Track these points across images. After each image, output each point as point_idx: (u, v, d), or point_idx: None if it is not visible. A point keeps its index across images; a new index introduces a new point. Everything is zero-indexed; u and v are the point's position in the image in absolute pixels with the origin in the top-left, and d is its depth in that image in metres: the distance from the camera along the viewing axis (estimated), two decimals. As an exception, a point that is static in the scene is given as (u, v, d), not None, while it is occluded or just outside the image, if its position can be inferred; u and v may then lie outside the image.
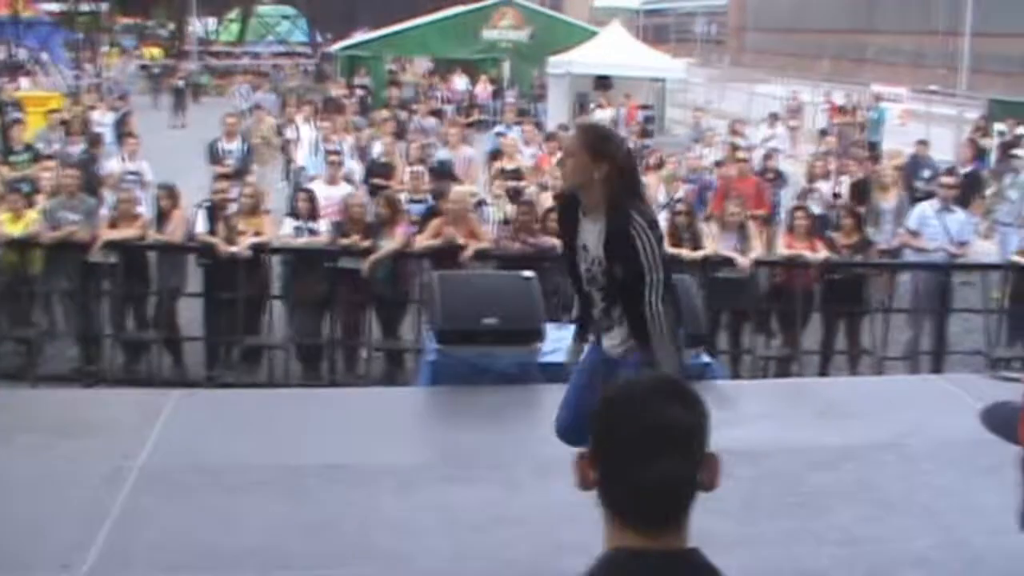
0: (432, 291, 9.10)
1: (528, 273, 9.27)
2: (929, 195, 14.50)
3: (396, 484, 6.89)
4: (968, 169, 18.05)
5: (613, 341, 5.72)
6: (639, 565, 2.03)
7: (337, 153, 16.10)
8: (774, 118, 26.50)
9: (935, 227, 12.53)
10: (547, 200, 13.70)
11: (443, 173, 15.95)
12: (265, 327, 12.20)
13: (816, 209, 15.30)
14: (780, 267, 12.35)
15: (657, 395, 2.07)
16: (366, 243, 11.69)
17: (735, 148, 17.84)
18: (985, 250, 17.17)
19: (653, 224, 5.48)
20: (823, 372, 12.28)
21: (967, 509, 6.58)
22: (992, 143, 25.71)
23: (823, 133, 25.86)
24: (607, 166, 5.38)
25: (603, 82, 32.44)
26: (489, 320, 8.67)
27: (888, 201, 15.71)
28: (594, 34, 37.15)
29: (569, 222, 5.72)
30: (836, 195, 16.16)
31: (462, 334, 8.71)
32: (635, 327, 5.53)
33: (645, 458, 2.02)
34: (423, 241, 11.72)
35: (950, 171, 16.33)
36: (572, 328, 9.73)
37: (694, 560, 2.08)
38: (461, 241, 11.49)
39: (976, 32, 60.94)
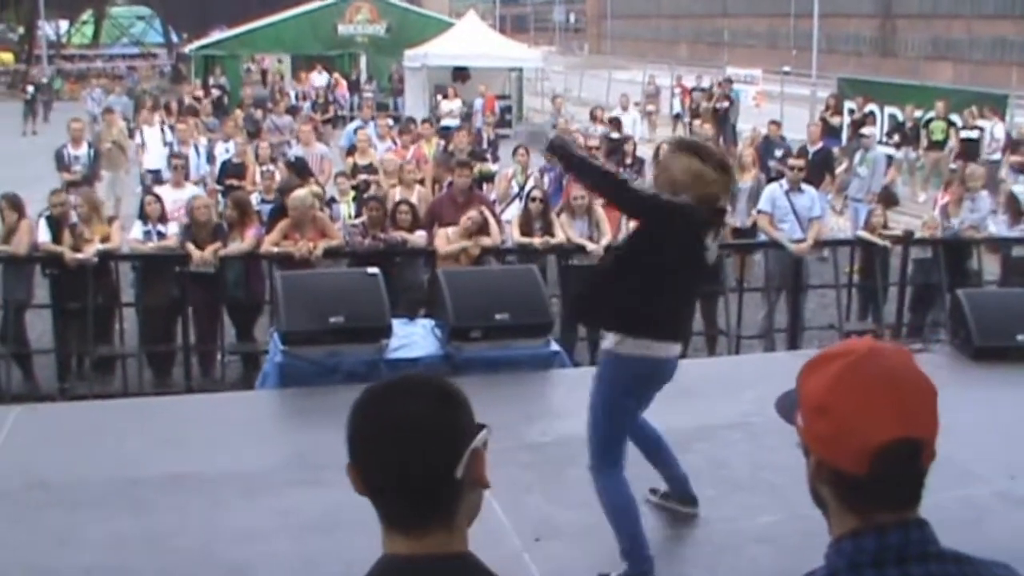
0: (276, 292, 8.97)
1: (372, 269, 9.19)
2: (781, 175, 14.67)
3: (241, 490, 6.76)
4: (818, 148, 18.33)
5: None
6: (407, 573, 1.99)
7: (179, 156, 15.98)
8: (626, 100, 26.66)
9: (784, 207, 12.68)
10: (397, 195, 13.61)
11: (301, 169, 15.77)
12: (117, 336, 11.95)
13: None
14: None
15: (404, 393, 2.06)
16: (214, 246, 11.45)
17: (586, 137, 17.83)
18: (839, 226, 17.57)
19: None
20: (681, 354, 12.33)
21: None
22: (843, 121, 26.22)
23: (677, 117, 26.14)
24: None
25: (461, 73, 32.39)
26: (335, 319, 8.57)
27: (745, 181, 15.92)
28: (451, 25, 37.10)
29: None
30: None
31: (308, 334, 8.60)
32: None
33: (390, 458, 2.00)
34: (271, 242, 11.53)
35: (799, 153, 16.59)
36: (423, 322, 9.71)
37: (467, 564, 2.04)
38: (310, 245, 11.30)
39: (827, 13, 61.99)
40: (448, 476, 2.00)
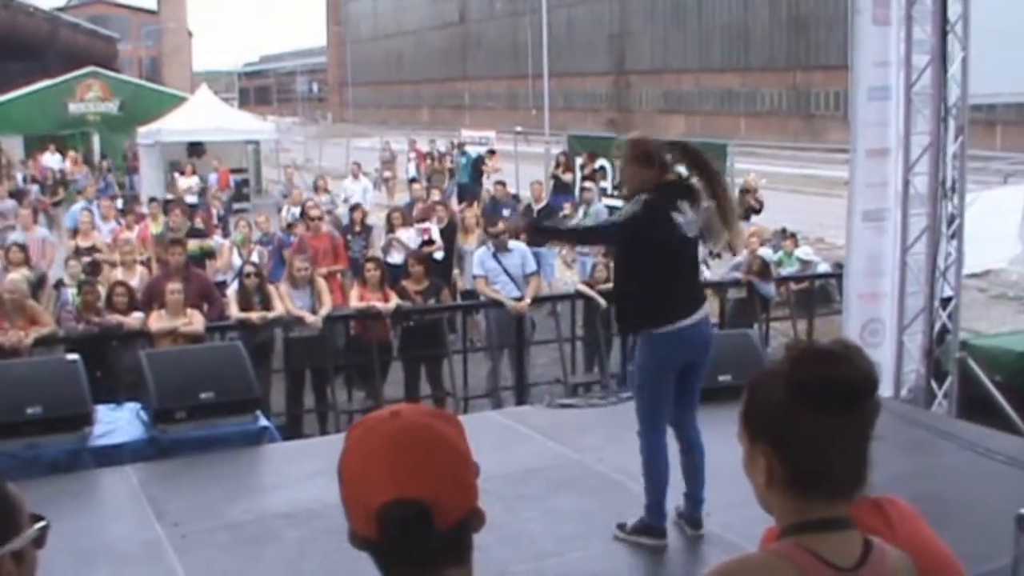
0: (-32, 386, 8.66)
1: (72, 356, 8.98)
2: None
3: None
4: (542, 205, 18.79)
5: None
6: None
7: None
8: (358, 167, 26.73)
9: (495, 269, 12.89)
10: (118, 275, 13.37)
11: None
12: None
13: (398, 258, 15.58)
14: (354, 320, 12.48)
15: None
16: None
17: (313, 206, 17.75)
18: (568, 279, 17.98)
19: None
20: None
21: (510, 540, 6.77)
22: (575, 177, 26.85)
23: (412, 181, 26.37)
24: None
25: (196, 149, 31.93)
26: (32, 409, 8.31)
27: (470, 243, 16.16)
28: (185, 100, 36.61)
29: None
30: (430, 241, 16.41)
31: (3, 427, 8.29)
32: None
33: None
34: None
35: (524, 211, 16.96)
36: (130, 406, 9.51)
37: None
38: (20, 334, 10.96)
39: (562, 73, 63.67)
40: None
